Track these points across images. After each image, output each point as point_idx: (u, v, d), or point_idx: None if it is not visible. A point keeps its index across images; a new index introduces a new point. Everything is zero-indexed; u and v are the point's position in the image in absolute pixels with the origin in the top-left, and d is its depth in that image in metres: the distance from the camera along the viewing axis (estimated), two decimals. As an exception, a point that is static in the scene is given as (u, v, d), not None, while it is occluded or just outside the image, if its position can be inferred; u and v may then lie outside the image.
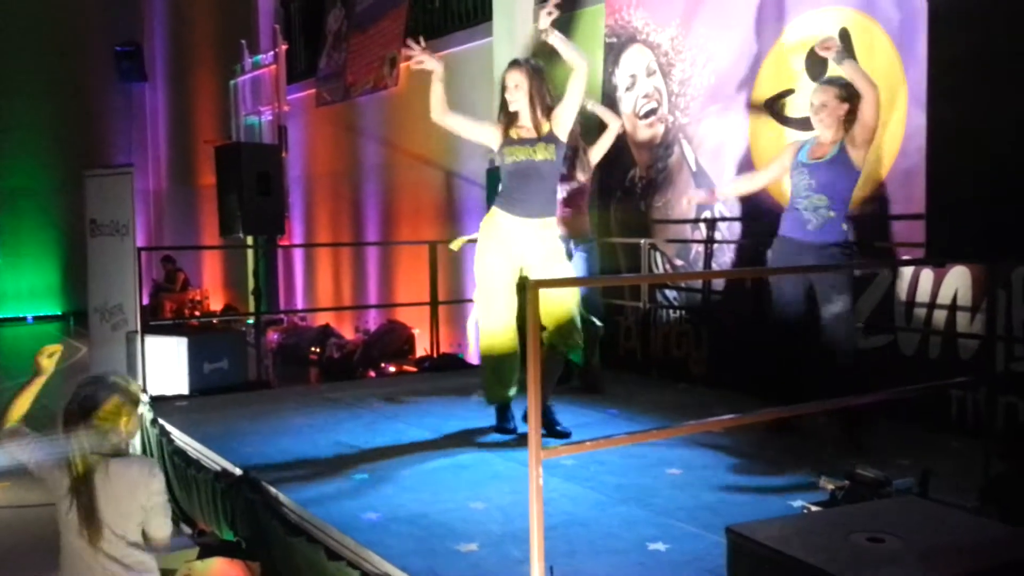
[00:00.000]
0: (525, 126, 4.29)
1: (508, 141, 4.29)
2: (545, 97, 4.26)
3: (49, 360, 2.84)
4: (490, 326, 4.39)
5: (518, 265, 4.36)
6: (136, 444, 5.24)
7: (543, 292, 4.10)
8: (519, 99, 4.24)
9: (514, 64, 4.34)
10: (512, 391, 4.48)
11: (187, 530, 4.49)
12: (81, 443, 2.69)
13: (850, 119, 4.14)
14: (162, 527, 2.80)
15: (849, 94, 4.13)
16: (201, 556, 3.61)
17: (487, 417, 4.81)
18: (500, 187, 4.42)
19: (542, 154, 4.22)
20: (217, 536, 4.07)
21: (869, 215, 4.92)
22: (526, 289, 2.53)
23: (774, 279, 4.44)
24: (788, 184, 4.41)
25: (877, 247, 4.86)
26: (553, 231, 4.36)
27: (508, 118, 4.31)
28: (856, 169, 4.19)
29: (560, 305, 4.24)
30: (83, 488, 2.67)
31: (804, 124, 5.41)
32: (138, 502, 2.72)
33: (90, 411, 2.72)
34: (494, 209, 4.37)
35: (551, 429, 4.32)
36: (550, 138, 4.25)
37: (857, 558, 2.15)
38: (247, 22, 13.38)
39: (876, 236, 4.89)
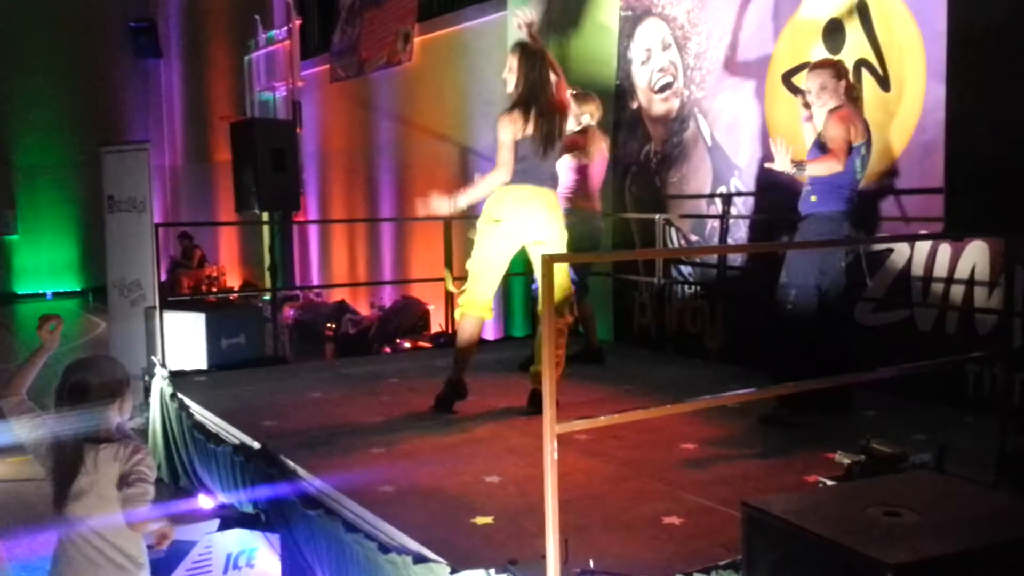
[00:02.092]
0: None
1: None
2: None
3: (50, 333, 2.77)
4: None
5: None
6: (155, 420, 5.30)
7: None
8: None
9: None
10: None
11: (208, 502, 4.54)
12: (71, 428, 2.63)
13: (848, 92, 4.14)
14: (136, 498, 2.62)
15: (841, 70, 4.17)
16: (221, 528, 3.65)
17: (503, 392, 4.84)
18: None
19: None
20: (237, 508, 4.12)
21: (884, 189, 4.88)
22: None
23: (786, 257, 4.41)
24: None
25: (888, 220, 4.82)
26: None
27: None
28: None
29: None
30: (69, 473, 2.63)
31: (821, 98, 5.36)
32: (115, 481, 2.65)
33: (80, 396, 2.66)
34: None
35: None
36: None
37: (873, 532, 2.15)
38: (261, -3, 13.34)
39: (890, 210, 4.84)
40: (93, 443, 2.67)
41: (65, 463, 2.65)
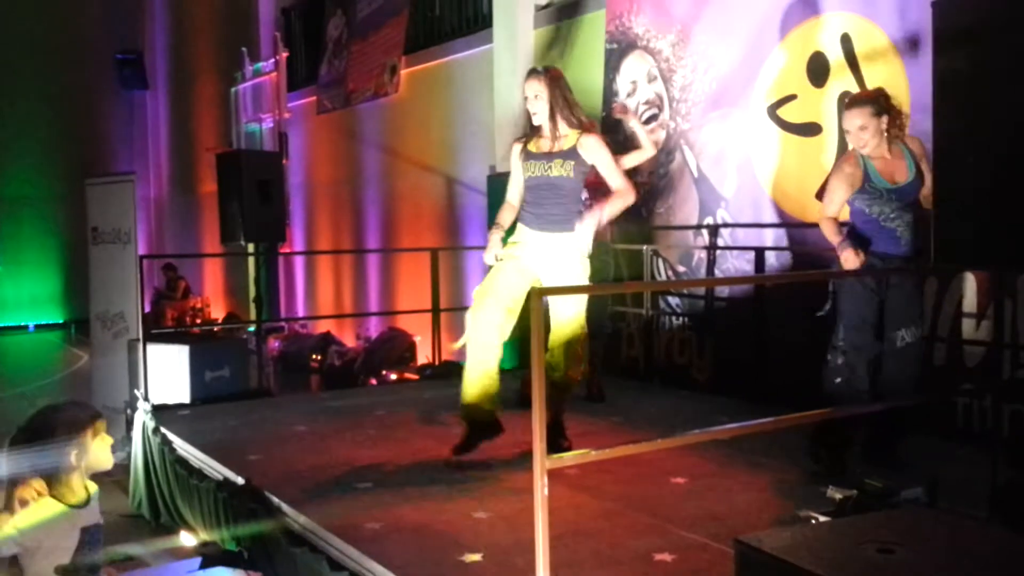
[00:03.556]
0: (545, 137, 4.12)
1: (527, 155, 4.14)
2: (565, 105, 4.08)
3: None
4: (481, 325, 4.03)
5: (530, 276, 4.14)
6: (137, 455, 5.22)
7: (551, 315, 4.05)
8: (540, 109, 4.07)
9: (532, 73, 4.15)
10: (487, 405, 4.05)
11: (190, 540, 4.46)
12: (14, 467, 2.56)
13: (895, 130, 3.92)
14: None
15: (882, 107, 3.90)
16: (203, 567, 3.59)
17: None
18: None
19: (557, 171, 4.06)
20: (220, 546, 4.04)
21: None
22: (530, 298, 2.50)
23: (844, 297, 4.03)
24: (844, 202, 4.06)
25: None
26: (569, 247, 4.11)
27: (532, 130, 4.16)
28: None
29: (561, 329, 4.12)
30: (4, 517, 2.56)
31: (805, 130, 5.41)
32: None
33: (30, 437, 2.60)
34: (517, 224, 4.23)
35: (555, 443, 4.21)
36: (570, 154, 4.06)
37: (867, 569, 2.13)
38: (248, 30, 13.40)
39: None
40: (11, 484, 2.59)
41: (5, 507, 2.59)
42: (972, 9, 3.06)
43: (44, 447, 2.59)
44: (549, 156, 4.09)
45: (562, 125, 4.08)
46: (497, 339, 4.01)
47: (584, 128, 4.10)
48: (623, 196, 4.14)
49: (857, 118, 3.87)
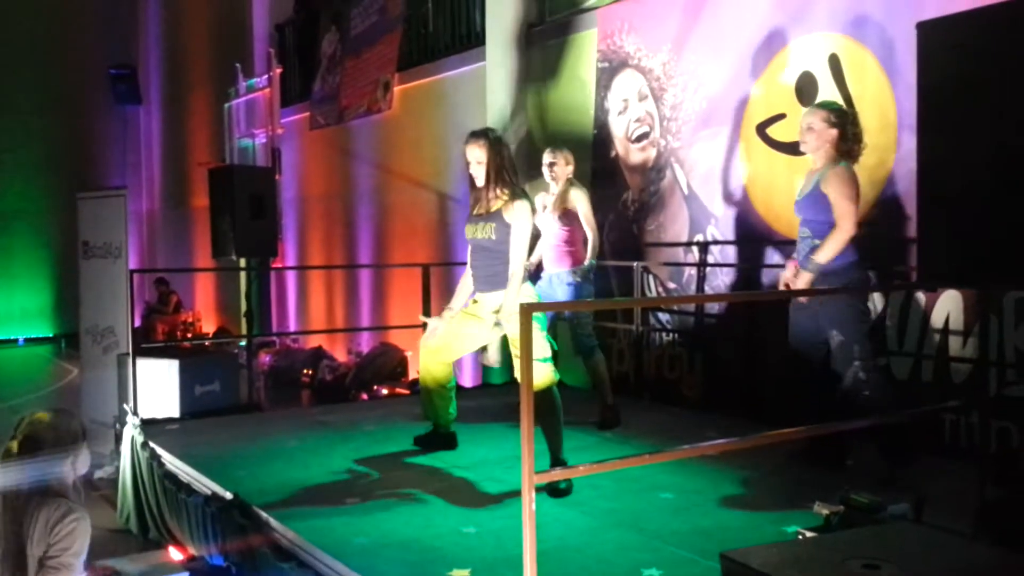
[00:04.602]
0: (484, 199, 4.20)
1: (468, 218, 4.30)
2: (502, 171, 4.14)
3: None
4: (424, 346, 4.48)
5: (477, 321, 4.27)
6: (126, 469, 5.20)
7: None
8: (479, 174, 4.16)
9: (472, 138, 4.20)
10: (440, 421, 4.64)
11: (178, 555, 4.44)
12: (17, 479, 2.57)
13: (845, 145, 4.04)
14: None
15: (840, 120, 4.06)
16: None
17: (479, 441, 4.81)
18: None
19: (482, 233, 4.16)
20: (207, 561, 4.03)
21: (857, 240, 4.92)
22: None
23: (791, 309, 4.26)
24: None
25: (895, 271, 4.78)
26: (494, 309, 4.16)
27: (476, 191, 4.25)
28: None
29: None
30: (11, 526, 2.56)
31: (794, 148, 5.44)
32: (44, 548, 2.57)
33: (29, 448, 2.60)
34: None
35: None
36: (494, 217, 4.13)
37: (852, 584, 2.14)
38: (242, 45, 13.43)
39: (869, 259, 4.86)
40: (39, 498, 2.60)
41: (7, 516, 2.58)
42: (956, 29, 3.11)
43: (42, 457, 2.59)
44: (478, 219, 4.21)
45: (497, 189, 4.15)
46: (439, 372, 4.48)
47: (516, 194, 4.14)
48: (516, 275, 4.10)
49: (809, 118, 4.06)
